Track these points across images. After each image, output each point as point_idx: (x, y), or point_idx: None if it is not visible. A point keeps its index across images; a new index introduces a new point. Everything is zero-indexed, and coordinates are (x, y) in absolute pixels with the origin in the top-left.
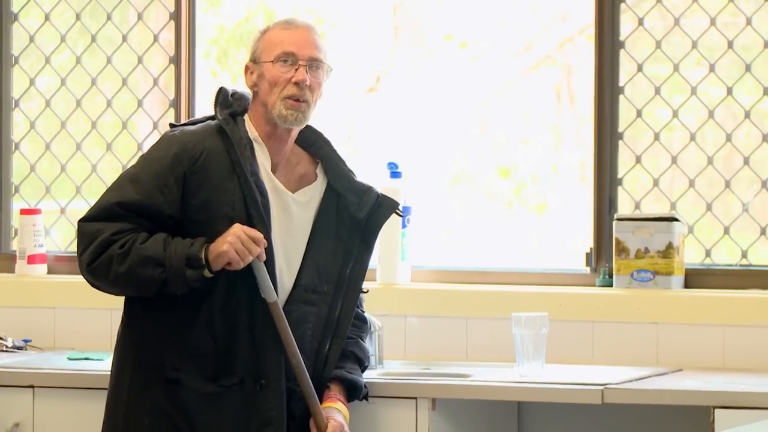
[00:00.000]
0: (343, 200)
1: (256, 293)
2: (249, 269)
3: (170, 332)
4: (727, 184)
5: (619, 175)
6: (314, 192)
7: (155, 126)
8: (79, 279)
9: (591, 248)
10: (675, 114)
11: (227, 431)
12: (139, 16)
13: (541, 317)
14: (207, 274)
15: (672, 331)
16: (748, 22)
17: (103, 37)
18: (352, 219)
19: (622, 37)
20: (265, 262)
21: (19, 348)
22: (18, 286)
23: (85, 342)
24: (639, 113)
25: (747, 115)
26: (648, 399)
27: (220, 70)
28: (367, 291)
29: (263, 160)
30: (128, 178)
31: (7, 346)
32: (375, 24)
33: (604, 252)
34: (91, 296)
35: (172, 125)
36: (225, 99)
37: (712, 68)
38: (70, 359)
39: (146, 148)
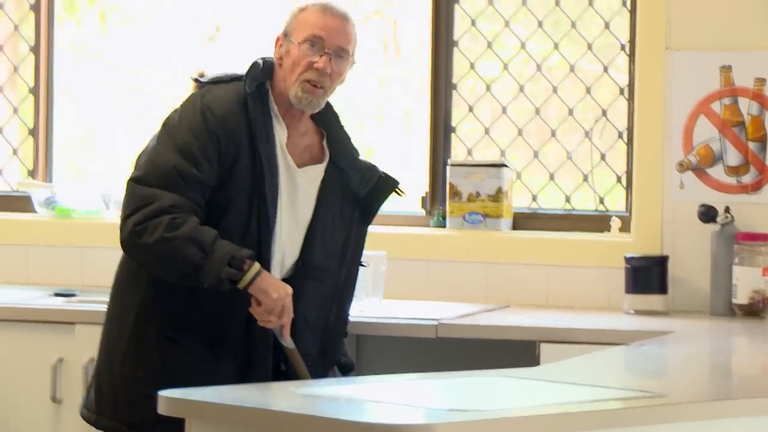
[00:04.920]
0: (345, 176)
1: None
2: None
3: (176, 291)
4: (553, 134)
5: (453, 124)
6: (319, 170)
7: (15, 70)
8: None
9: (426, 192)
10: (505, 67)
11: None
12: None
13: (379, 256)
14: (239, 282)
15: (500, 270)
16: None
17: None
18: (354, 195)
19: None
20: (266, 240)
21: None
22: None
23: None
24: (472, 66)
25: (571, 69)
26: (478, 333)
27: (66, 17)
28: (367, 264)
29: (280, 133)
30: (177, 149)
31: None
32: None
33: (438, 195)
34: None
35: (198, 82)
36: (255, 72)
37: (539, 25)
38: None
39: (6, 91)
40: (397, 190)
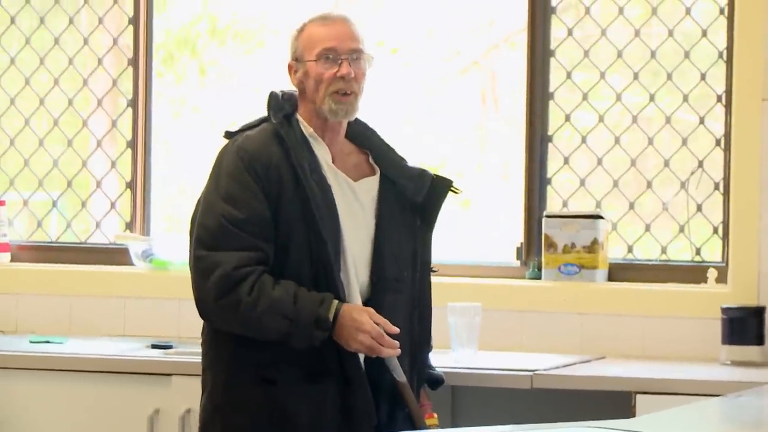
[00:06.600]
0: (399, 186)
1: (341, 296)
2: None
3: None
4: (649, 185)
5: (548, 175)
6: (372, 182)
7: (114, 124)
8: (40, 267)
9: (521, 243)
10: (601, 118)
11: (324, 428)
12: (100, 20)
13: (475, 307)
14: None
15: (596, 321)
16: (670, 33)
17: (65, 39)
18: (411, 203)
19: (552, 46)
20: (333, 258)
21: None
22: None
23: (44, 327)
24: (567, 117)
25: (667, 120)
26: (574, 384)
27: (165, 71)
28: (437, 270)
29: (323, 154)
30: (221, 198)
31: None
32: None
33: (533, 246)
34: (51, 284)
35: (228, 133)
36: (277, 102)
37: (635, 76)
38: (31, 342)
39: (105, 145)
40: (452, 188)
